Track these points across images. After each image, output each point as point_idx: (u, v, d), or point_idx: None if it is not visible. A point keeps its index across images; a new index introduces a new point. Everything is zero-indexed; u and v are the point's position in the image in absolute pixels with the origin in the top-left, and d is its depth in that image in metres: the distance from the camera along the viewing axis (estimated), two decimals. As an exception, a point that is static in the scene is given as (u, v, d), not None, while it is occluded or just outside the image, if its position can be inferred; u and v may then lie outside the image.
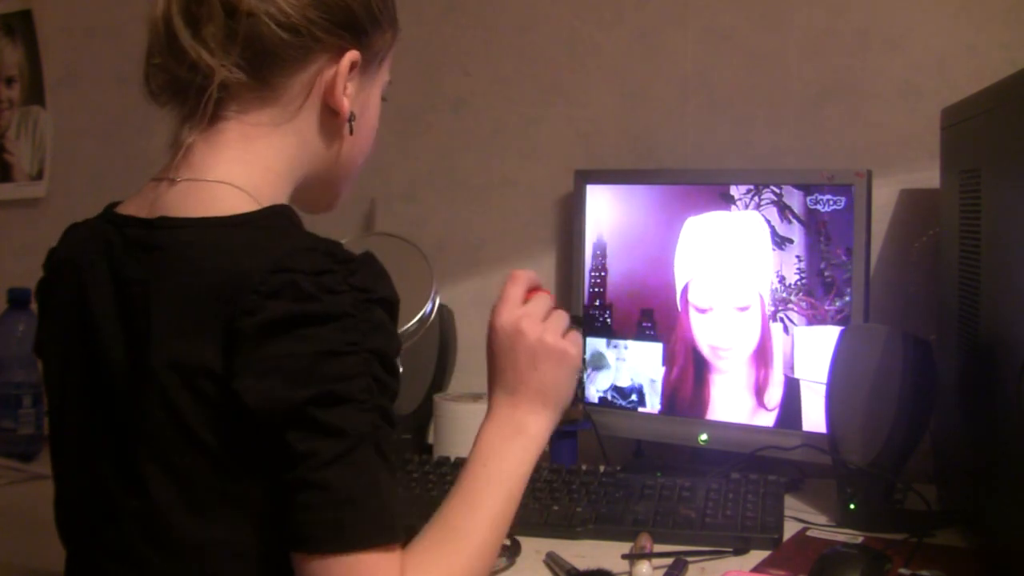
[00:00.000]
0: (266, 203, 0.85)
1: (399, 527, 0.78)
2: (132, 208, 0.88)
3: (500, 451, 0.91)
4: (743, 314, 1.49)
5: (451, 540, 0.85)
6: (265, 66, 0.85)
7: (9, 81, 2.19)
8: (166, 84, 0.87)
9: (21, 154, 2.18)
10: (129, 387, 0.81)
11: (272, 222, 0.83)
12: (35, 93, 2.15)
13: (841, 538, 1.23)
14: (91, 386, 0.85)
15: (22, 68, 2.17)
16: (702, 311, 1.52)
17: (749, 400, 1.49)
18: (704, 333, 1.52)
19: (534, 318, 0.94)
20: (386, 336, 0.79)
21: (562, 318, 0.96)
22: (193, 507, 0.80)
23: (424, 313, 1.57)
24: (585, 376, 1.59)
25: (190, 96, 0.85)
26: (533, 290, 0.97)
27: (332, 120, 0.91)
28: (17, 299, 1.67)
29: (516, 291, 0.95)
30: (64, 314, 0.88)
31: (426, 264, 1.61)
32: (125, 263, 0.83)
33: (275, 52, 0.85)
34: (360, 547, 0.75)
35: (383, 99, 0.98)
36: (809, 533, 1.27)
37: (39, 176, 2.16)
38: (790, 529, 1.26)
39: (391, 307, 0.81)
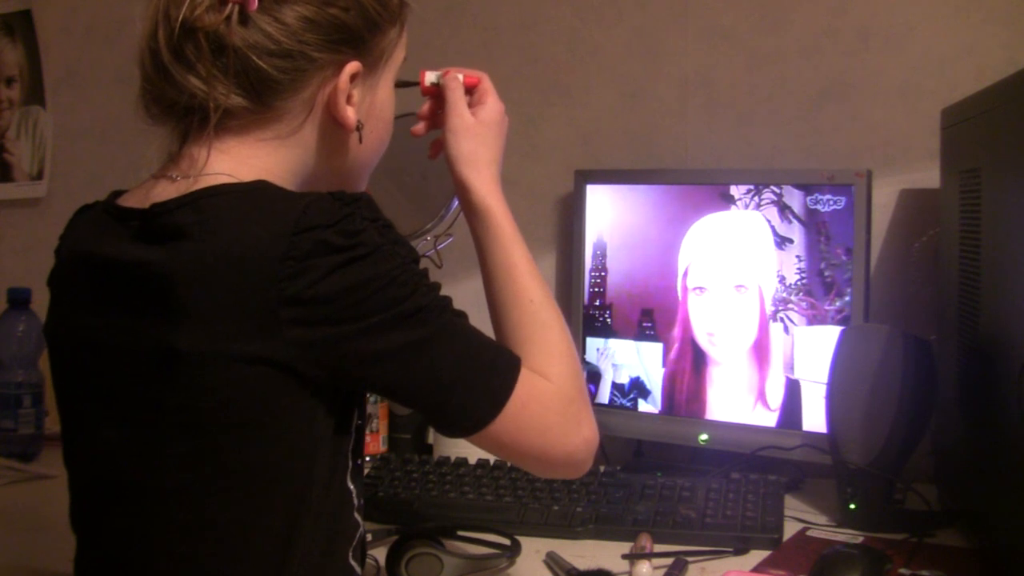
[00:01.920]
0: None
1: (510, 355, 0.90)
2: (130, 201, 0.88)
3: (514, 232, 0.99)
4: (740, 296, 1.48)
5: (539, 321, 0.95)
6: (262, 93, 0.85)
7: (9, 81, 2.19)
8: (164, 109, 0.87)
9: (21, 154, 2.18)
10: (148, 371, 0.80)
11: (261, 188, 0.83)
12: (35, 93, 2.15)
13: (841, 538, 1.23)
14: (101, 371, 0.84)
15: (22, 68, 2.17)
16: (699, 291, 1.52)
17: (749, 399, 1.49)
18: (700, 318, 1.52)
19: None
20: (406, 244, 0.86)
21: None
22: (214, 488, 0.80)
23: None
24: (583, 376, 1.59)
25: (187, 116, 0.86)
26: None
27: (338, 130, 0.90)
28: (17, 299, 1.66)
29: (488, 81, 1.05)
30: (69, 300, 0.88)
31: None
32: (130, 251, 0.83)
33: (270, 79, 0.85)
34: (508, 395, 0.86)
35: (401, 85, 0.98)
36: (809, 533, 1.27)
37: (39, 176, 2.16)
38: (790, 529, 1.26)
39: (395, 230, 0.86)
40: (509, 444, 0.88)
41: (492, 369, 0.87)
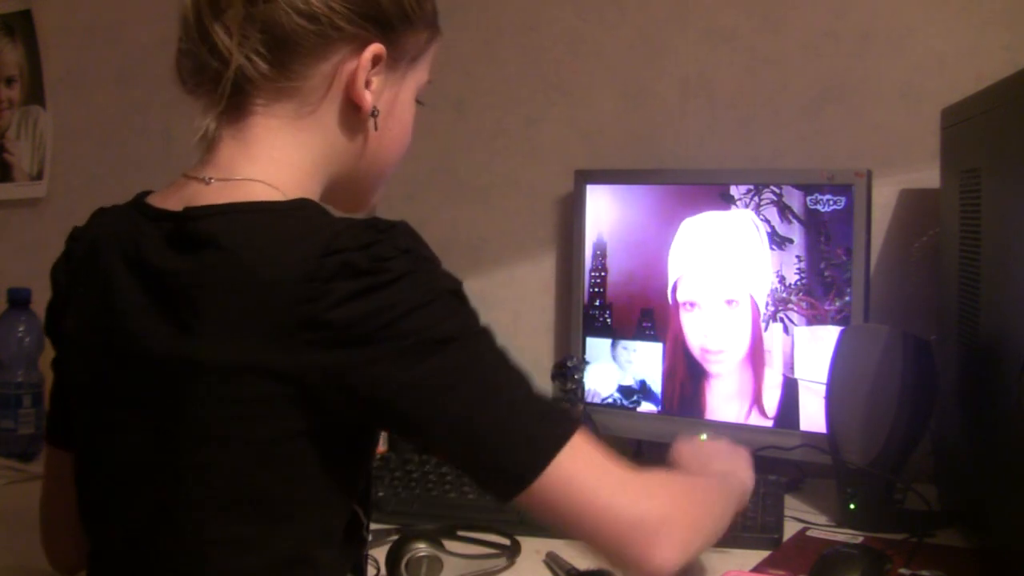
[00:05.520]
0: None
1: (565, 413, 0.82)
2: (163, 202, 0.87)
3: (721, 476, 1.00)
4: (731, 310, 1.49)
5: (688, 485, 0.91)
6: (285, 54, 0.85)
7: (9, 81, 2.19)
8: (193, 70, 0.87)
9: (21, 154, 2.18)
10: (167, 380, 0.80)
11: (302, 210, 0.83)
12: (35, 93, 2.15)
13: (841, 538, 1.23)
14: (120, 375, 0.84)
15: (22, 68, 2.17)
16: (690, 307, 1.52)
17: (745, 406, 1.49)
18: (694, 333, 1.52)
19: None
20: (448, 278, 0.82)
21: None
22: (224, 503, 0.80)
23: None
24: (584, 376, 1.59)
25: (213, 82, 0.85)
26: None
27: (355, 115, 0.90)
28: (17, 299, 1.66)
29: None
30: (89, 299, 0.88)
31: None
32: (162, 255, 0.82)
33: (294, 39, 0.85)
34: (553, 455, 0.77)
35: (418, 102, 0.97)
36: (809, 533, 1.27)
37: (39, 176, 2.16)
38: (790, 529, 1.26)
39: (437, 263, 0.83)
40: (562, 504, 0.77)
41: (540, 417, 0.79)
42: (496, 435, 0.77)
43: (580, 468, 0.78)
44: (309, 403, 0.78)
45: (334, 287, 0.76)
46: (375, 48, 0.88)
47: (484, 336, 0.81)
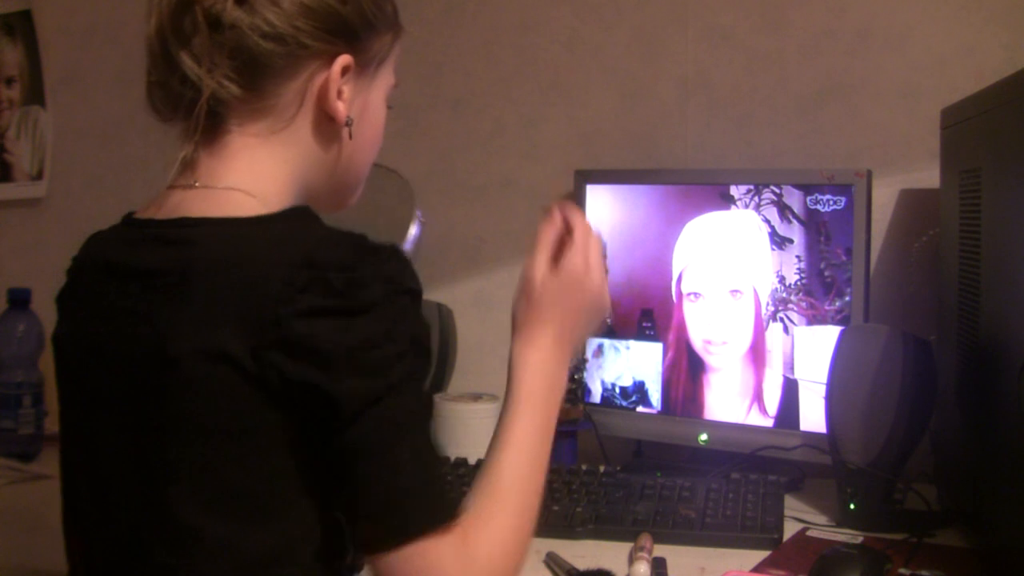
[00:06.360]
0: (276, 209, 0.86)
1: (451, 504, 0.81)
2: (150, 213, 0.89)
3: (546, 402, 0.94)
4: (735, 301, 1.49)
5: (500, 498, 0.87)
6: (255, 76, 0.86)
7: (9, 81, 2.19)
8: (165, 99, 0.88)
9: (21, 154, 2.18)
10: (151, 375, 0.81)
11: (291, 219, 0.84)
12: (35, 93, 2.15)
13: (841, 538, 1.23)
14: (108, 377, 0.85)
15: (22, 68, 2.17)
16: (694, 297, 1.52)
17: (746, 404, 1.49)
18: (696, 324, 1.52)
19: (599, 267, 0.99)
20: (416, 322, 0.82)
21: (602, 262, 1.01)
22: (206, 500, 0.80)
23: (412, 236, 1.54)
24: (584, 375, 1.59)
25: (187, 109, 0.86)
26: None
27: (330, 126, 0.91)
28: (17, 299, 1.66)
29: (589, 236, 1.02)
30: (84, 309, 0.89)
31: (407, 186, 1.58)
32: (147, 258, 0.84)
33: (263, 62, 0.86)
34: (417, 536, 0.78)
35: (389, 107, 0.98)
36: (809, 533, 1.27)
37: (39, 176, 2.16)
38: (790, 529, 1.26)
39: (416, 297, 0.83)
40: None
41: (417, 504, 0.79)
42: (372, 498, 0.78)
43: (432, 561, 0.78)
44: (272, 400, 0.78)
45: (304, 298, 0.77)
46: (343, 60, 0.89)
47: (419, 397, 0.81)
